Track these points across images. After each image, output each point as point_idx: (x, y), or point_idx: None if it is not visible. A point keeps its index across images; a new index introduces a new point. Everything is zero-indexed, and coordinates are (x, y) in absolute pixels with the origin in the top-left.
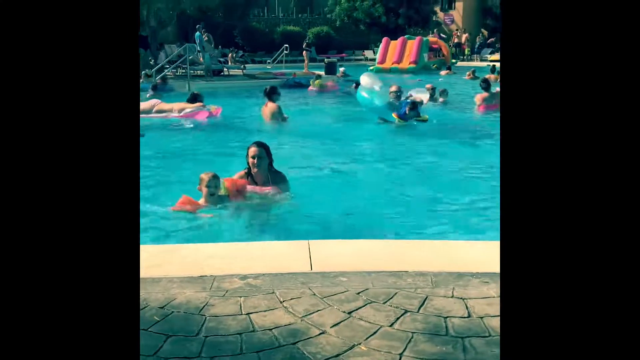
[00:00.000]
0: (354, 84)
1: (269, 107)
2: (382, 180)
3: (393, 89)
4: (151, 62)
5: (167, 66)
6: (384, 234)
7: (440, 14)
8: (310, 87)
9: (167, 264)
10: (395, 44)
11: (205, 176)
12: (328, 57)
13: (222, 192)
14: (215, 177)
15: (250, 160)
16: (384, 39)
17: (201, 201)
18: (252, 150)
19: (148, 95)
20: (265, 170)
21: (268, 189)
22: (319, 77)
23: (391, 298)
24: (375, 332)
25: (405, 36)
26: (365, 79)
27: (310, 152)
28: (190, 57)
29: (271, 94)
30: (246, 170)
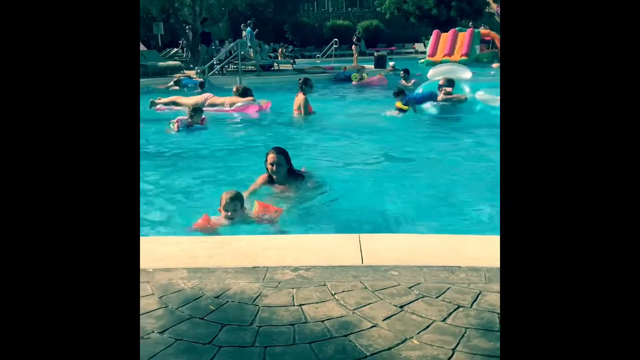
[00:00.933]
0: (402, 72)
1: (298, 98)
2: (415, 176)
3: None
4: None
5: (218, 62)
6: (423, 229)
7: (493, 5)
8: (354, 82)
9: (222, 255)
10: (447, 37)
11: (225, 196)
12: (377, 51)
13: (249, 212)
14: (234, 199)
15: (269, 167)
16: (435, 32)
17: (219, 222)
18: (271, 157)
19: (173, 89)
20: (284, 176)
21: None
22: (358, 71)
23: (443, 293)
24: (427, 327)
25: (457, 28)
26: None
27: (330, 146)
28: (241, 53)
29: (303, 85)
30: (268, 175)
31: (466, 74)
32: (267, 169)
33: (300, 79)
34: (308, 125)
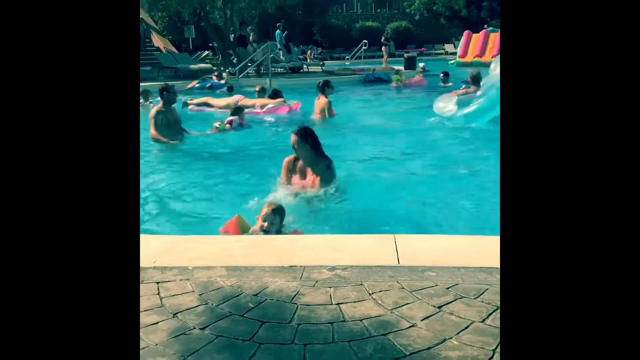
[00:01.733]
0: (441, 74)
1: (320, 101)
2: (444, 177)
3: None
4: (234, 61)
5: (249, 64)
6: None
7: None
8: (393, 84)
9: (259, 254)
10: (477, 37)
11: (267, 207)
12: (407, 52)
13: (285, 228)
14: (276, 213)
15: (292, 148)
16: (466, 32)
17: (252, 228)
18: (292, 138)
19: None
20: (308, 156)
21: (310, 184)
22: (397, 72)
23: (482, 294)
24: (466, 327)
25: (488, 29)
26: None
27: (351, 147)
28: (271, 55)
29: (324, 87)
30: (293, 157)
31: None
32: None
33: (319, 82)
34: (333, 127)
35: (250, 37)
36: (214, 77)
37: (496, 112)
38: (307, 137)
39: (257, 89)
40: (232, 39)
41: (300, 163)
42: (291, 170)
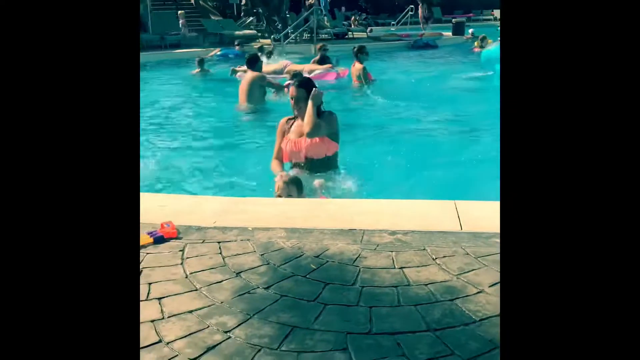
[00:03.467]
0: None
1: (355, 67)
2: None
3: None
4: (278, 27)
5: (292, 30)
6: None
7: None
8: (475, 49)
9: (317, 217)
10: None
11: (279, 180)
12: (455, 17)
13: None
14: (288, 185)
15: (291, 101)
16: None
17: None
18: (291, 91)
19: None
20: (309, 112)
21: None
22: (484, 37)
23: None
24: None
25: None
26: None
27: (388, 114)
28: (315, 21)
29: (357, 53)
30: (292, 116)
31: None
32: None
33: (354, 47)
34: (371, 93)
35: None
36: (236, 47)
37: None
38: (309, 88)
39: (317, 47)
40: (276, 4)
41: (299, 122)
42: (288, 132)
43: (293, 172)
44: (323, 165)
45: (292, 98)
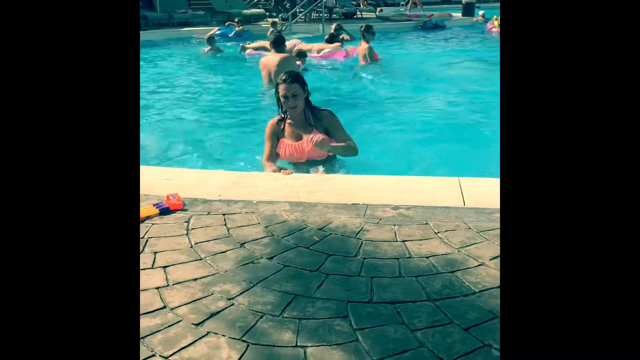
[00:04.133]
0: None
1: (361, 47)
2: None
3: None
4: (287, 6)
5: (301, 10)
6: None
7: None
8: (494, 29)
9: (321, 191)
10: None
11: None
12: None
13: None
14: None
15: (283, 100)
16: None
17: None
18: (283, 88)
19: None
20: (303, 110)
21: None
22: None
23: None
24: None
25: None
26: None
27: (393, 93)
28: (325, 0)
29: (365, 33)
30: (280, 117)
31: None
32: (280, 106)
33: (361, 27)
34: (377, 73)
35: None
36: (236, 26)
37: None
38: (302, 81)
39: (333, 27)
40: None
41: (289, 125)
42: (281, 134)
43: (291, 167)
44: (326, 160)
45: (283, 97)
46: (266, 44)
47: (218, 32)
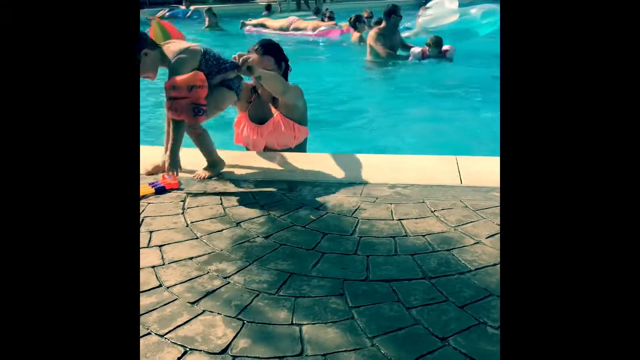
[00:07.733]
0: None
1: (354, 35)
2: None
3: None
4: None
5: None
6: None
7: None
8: None
9: (318, 171)
10: None
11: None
12: None
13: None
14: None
15: (252, 80)
16: None
17: None
18: (253, 58)
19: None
20: (278, 82)
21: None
22: None
23: None
24: None
25: None
26: None
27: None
28: None
29: (355, 23)
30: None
31: None
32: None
33: (350, 17)
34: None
35: None
36: (183, 6)
37: None
38: (281, 53)
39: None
40: None
41: (264, 96)
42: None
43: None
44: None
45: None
46: (265, 20)
47: (167, 13)
